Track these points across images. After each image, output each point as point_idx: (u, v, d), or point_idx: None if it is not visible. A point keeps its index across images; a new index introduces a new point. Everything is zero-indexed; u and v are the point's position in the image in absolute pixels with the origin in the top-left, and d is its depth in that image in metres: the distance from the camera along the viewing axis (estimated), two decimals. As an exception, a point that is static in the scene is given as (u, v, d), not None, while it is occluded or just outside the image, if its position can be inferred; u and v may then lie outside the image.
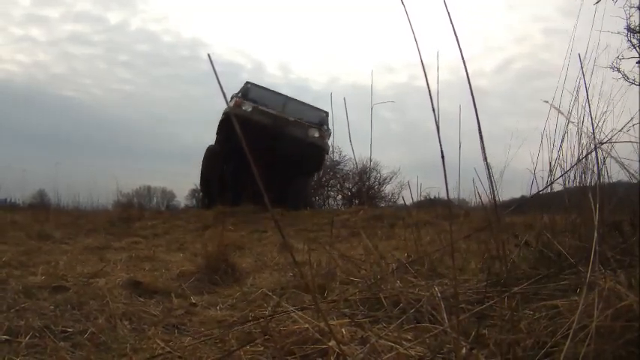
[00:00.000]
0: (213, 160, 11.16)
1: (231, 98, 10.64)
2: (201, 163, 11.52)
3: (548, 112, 2.15)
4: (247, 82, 11.51)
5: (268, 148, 8.84)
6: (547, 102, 1.97)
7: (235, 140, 8.93)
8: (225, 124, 10.34)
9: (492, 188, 1.33)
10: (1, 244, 4.80)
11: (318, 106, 11.77)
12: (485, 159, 1.24)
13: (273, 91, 11.88)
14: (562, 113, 1.96)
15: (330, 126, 11.35)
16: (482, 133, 1.27)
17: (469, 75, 1.18)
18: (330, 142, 11.48)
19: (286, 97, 11.68)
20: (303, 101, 11.98)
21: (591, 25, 2.35)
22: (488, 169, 1.28)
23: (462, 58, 1.14)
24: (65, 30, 41.31)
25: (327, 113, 11.56)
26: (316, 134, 10.57)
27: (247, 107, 10.17)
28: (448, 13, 1.17)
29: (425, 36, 1.20)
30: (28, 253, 4.31)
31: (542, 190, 2.05)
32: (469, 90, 1.15)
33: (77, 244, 5.18)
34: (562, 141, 2.15)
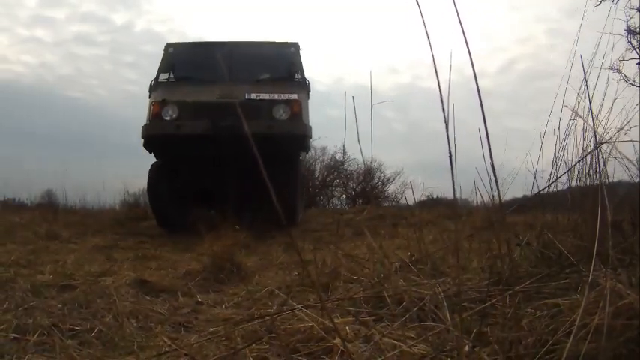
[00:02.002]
0: (158, 177, 7.15)
1: (150, 90, 7.37)
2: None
3: (560, 114, 2.16)
4: (168, 46, 7.82)
5: (222, 156, 6.54)
6: (567, 107, 1.98)
7: (178, 159, 6.90)
8: (150, 148, 7.12)
9: (498, 189, 1.34)
10: (10, 243, 4.84)
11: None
12: (492, 164, 1.26)
13: (207, 44, 7.94)
14: (580, 116, 1.97)
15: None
16: (484, 132, 1.28)
17: (474, 76, 1.20)
18: (309, 98, 7.63)
19: (229, 45, 7.61)
20: (257, 41, 8.04)
21: (593, 26, 2.36)
22: (494, 172, 1.30)
23: (472, 64, 1.16)
24: (71, 31, 41.39)
25: (295, 47, 7.78)
26: (284, 113, 6.76)
27: (171, 112, 6.78)
28: (458, 17, 1.18)
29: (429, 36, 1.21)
30: (36, 252, 4.35)
31: (545, 188, 2.07)
32: (476, 93, 1.17)
33: (84, 244, 5.22)
34: (565, 140, 2.16)
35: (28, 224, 6.45)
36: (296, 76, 7.55)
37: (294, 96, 6.98)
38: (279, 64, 7.64)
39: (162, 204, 7.05)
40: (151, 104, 7.02)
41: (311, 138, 7.62)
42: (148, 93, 7.50)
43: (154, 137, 6.87)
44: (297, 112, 6.91)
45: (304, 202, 9.76)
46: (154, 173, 7.19)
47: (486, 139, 1.23)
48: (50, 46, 38.59)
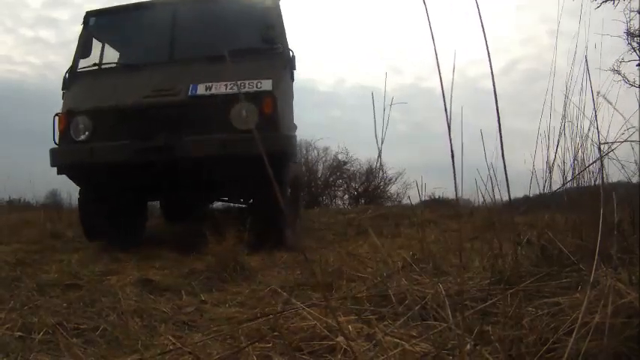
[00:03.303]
0: (91, 195, 5.02)
1: (63, 87, 5.02)
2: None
3: (564, 114, 2.18)
4: (87, 15, 5.28)
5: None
6: (581, 108, 1.99)
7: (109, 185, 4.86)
8: (66, 175, 4.82)
9: (508, 190, 1.35)
10: (15, 242, 4.87)
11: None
12: (504, 166, 1.26)
13: (142, 5, 5.34)
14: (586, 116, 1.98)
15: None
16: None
17: (492, 80, 1.20)
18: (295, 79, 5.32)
19: (172, 4, 5.13)
20: None
21: (594, 28, 2.37)
22: (506, 174, 1.31)
23: (490, 64, 1.16)
24: (75, 31, 41.44)
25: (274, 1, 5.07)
26: (248, 117, 4.34)
27: (82, 128, 4.63)
28: (480, 20, 1.18)
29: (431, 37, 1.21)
30: (41, 251, 4.39)
31: (558, 189, 2.08)
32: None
33: (89, 243, 5.23)
34: (579, 140, 2.17)
35: (33, 224, 6.48)
36: (275, 46, 4.83)
37: (267, 85, 4.40)
38: (247, 28, 5.03)
39: (95, 223, 5.01)
40: (56, 117, 4.82)
41: (293, 151, 5.21)
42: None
43: (64, 167, 4.73)
44: (271, 114, 4.34)
45: (301, 210, 7.33)
46: (87, 190, 5.13)
47: (500, 142, 1.23)
48: (54, 47, 38.68)
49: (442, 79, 1.14)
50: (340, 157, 17.09)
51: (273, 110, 4.36)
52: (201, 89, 4.44)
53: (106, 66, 5.25)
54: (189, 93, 4.44)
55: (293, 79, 5.31)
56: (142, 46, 5.21)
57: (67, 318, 2.22)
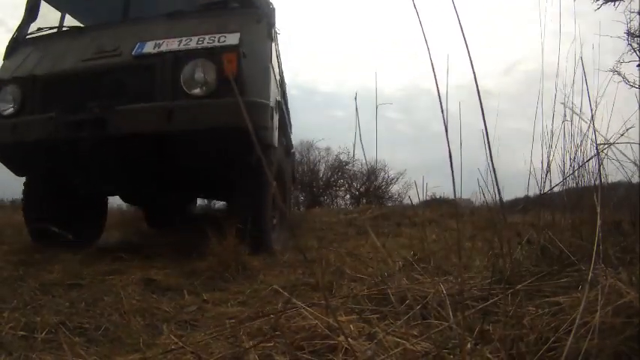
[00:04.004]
0: (38, 199, 4.52)
1: (5, 56, 4.41)
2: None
3: (564, 114, 2.19)
4: None
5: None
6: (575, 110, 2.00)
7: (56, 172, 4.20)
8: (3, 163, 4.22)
9: (498, 189, 1.36)
10: (17, 242, 4.87)
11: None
12: (492, 164, 1.27)
13: None
14: (583, 119, 1.98)
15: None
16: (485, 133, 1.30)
17: (474, 77, 1.21)
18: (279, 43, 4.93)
19: None
20: None
21: (594, 28, 2.38)
22: (494, 172, 1.31)
23: (471, 63, 1.17)
24: (76, 31, 41.48)
25: None
26: (207, 80, 3.42)
27: (11, 98, 3.93)
28: (458, 20, 1.19)
29: (433, 38, 1.22)
30: (43, 251, 4.38)
31: (554, 186, 2.08)
32: (477, 94, 1.19)
33: (90, 243, 5.23)
34: (580, 141, 2.18)
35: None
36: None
37: (233, 39, 3.55)
38: None
39: (41, 220, 4.31)
40: None
41: (266, 125, 3.74)
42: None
43: None
44: (234, 75, 3.43)
45: (290, 205, 6.67)
46: (32, 183, 4.53)
47: (486, 139, 1.24)
48: (55, 47, 38.73)
49: (440, 81, 1.15)
50: (342, 157, 17.16)
51: (238, 69, 3.42)
52: (148, 47, 3.66)
53: (53, 31, 4.50)
54: (134, 52, 3.67)
55: (272, 38, 4.33)
56: (95, 7, 4.54)
57: (69, 317, 2.23)
